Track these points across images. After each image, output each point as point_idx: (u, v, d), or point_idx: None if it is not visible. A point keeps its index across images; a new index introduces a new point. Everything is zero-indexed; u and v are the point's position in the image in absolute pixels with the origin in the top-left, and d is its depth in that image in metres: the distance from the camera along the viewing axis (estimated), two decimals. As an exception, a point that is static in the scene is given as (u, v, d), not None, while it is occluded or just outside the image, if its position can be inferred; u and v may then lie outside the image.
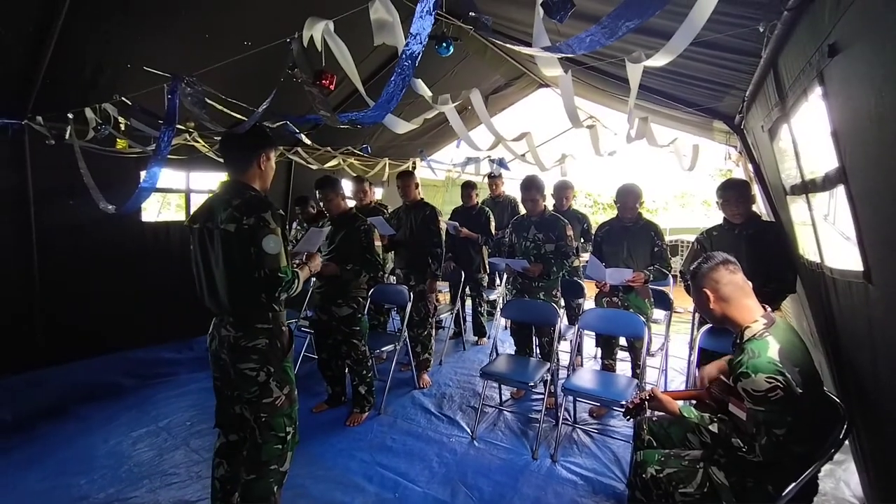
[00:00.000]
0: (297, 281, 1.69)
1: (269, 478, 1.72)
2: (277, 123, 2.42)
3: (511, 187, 5.28)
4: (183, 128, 2.80)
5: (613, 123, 4.48)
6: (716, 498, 1.55)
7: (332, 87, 1.49)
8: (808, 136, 1.69)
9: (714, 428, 1.58)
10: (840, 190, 1.37)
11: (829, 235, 1.72)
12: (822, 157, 1.52)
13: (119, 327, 3.79)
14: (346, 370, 3.10)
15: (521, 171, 5.51)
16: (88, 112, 2.35)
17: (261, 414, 1.69)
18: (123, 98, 2.18)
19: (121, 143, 2.66)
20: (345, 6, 1.49)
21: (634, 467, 1.81)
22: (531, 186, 3.20)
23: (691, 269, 1.67)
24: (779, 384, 1.36)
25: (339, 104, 4.02)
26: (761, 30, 1.48)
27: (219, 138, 2.10)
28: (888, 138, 1.00)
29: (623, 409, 1.80)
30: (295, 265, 1.94)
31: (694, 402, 1.90)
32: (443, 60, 4.07)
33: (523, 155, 3.67)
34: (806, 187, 1.72)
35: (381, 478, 2.39)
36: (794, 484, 1.44)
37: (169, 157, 3.63)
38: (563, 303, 3.98)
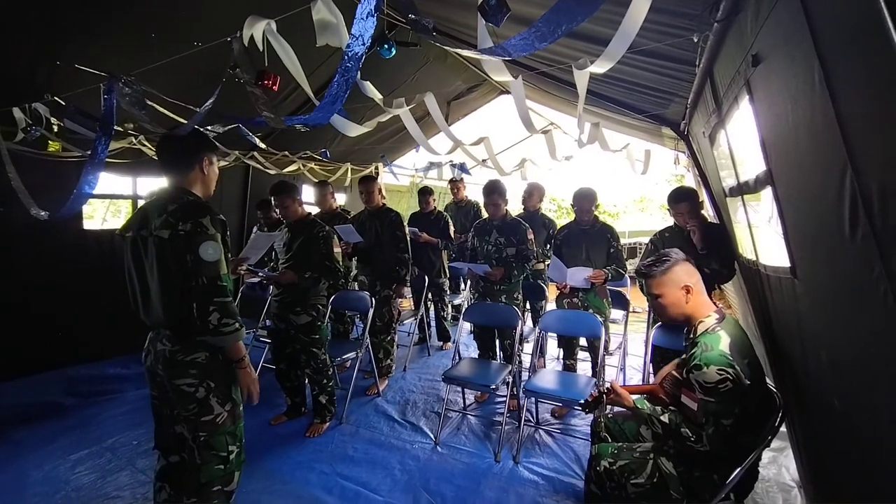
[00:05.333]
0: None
1: (212, 500, 1.62)
2: (228, 126, 2.35)
3: (473, 191, 5.33)
4: (121, 129, 2.66)
5: (573, 129, 4.62)
6: (665, 487, 1.61)
7: (275, 87, 1.45)
8: (743, 140, 1.80)
9: (665, 418, 1.64)
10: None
11: (764, 235, 1.82)
12: (754, 161, 1.62)
13: (58, 342, 3.53)
14: (306, 380, 3.02)
15: (482, 176, 5.57)
16: (17, 112, 2.19)
17: (199, 433, 1.58)
18: (56, 98, 2.05)
19: (53, 146, 2.49)
20: (295, 6, 1.47)
21: (590, 460, 1.86)
22: (493, 191, 3.24)
23: (657, 267, 1.64)
24: (729, 376, 1.42)
25: (297, 109, 3.94)
26: (695, 40, 1.57)
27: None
28: (803, 144, 1.08)
29: (582, 405, 1.85)
30: (242, 270, 1.87)
31: (647, 396, 1.97)
32: (404, 66, 4.08)
33: (484, 161, 3.72)
34: (741, 189, 1.83)
35: (342, 489, 2.33)
36: (738, 470, 1.51)
37: (115, 161, 3.49)
38: (528, 305, 4.05)
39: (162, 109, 2.10)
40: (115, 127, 1.83)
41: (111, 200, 6.67)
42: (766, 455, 2.42)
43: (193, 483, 1.62)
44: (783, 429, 1.86)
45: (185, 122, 1.65)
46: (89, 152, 1.86)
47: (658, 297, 1.67)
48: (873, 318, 0.88)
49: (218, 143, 3.46)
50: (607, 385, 1.80)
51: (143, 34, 2.46)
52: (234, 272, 1.94)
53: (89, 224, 4.00)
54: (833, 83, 0.87)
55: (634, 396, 1.83)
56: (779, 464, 2.40)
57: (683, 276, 1.63)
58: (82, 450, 2.69)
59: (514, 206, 4.01)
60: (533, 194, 4.11)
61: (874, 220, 0.81)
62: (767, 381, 1.71)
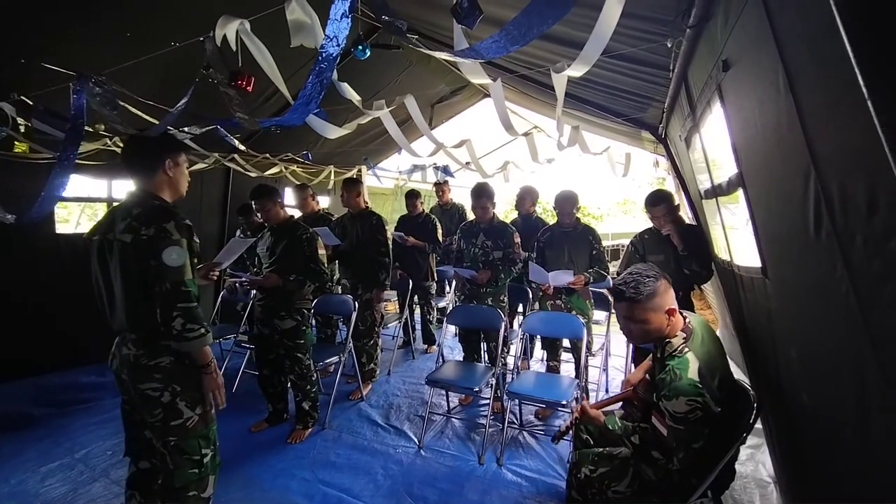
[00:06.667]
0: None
1: None
2: (206, 128, 2.31)
3: (458, 194, 5.34)
4: (91, 130, 2.58)
5: (554, 131, 4.65)
6: (644, 493, 1.62)
7: (249, 88, 1.43)
8: (717, 144, 1.84)
9: (636, 439, 1.62)
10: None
11: (738, 236, 1.86)
12: (728, 164, 1.65)
13: (29, 350, 3.42)
14: (289, 385, 2.98)
15: (465, 179, 5.58)
16: (-19, 112, 2.12)
17: (169, 438, 1.56)
18: (23, 97, 1.98)
19: (20, 147, 2.40)
20: (271, 6, 1.45)
21: (570, 467, 1.86)
22: (482, 194, 3.24)
23: (642, 290, 1.50)
24: (698, 406, 1.40)
25: (279, 111, 3.90)
26: (669, 45, 1.60)
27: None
28: (771, 147, 1.11)
29: (553, 437, 1.84)
30: (214, 276, 1.85)
31: (622, 404, 1.97)
32: (387, 68, 4.07)
33: (467, 163, 3.73)
34: (716, 191, 1.87)
35: (324, 496, 2.29)
36: (715, 469, 1.53)
37: (88, 163, 3.39)
38: (519, 308, 4.05)
39: (134, 110, 2.05)
40: (88, 128, 1.78)
41: (86, 204, 6.49)
42: (744, 452, 2.46)
43: (168, 488, 1.59)
44: (760, 426, 1.90)
45: (158, 123, 1.61)
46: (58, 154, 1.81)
47: (641, 323, 1.54)
48: (836, 316, 0.90)
49: (196, 146, 3.41)
50: (578, 408, 1.78)
51: (116, 32, 2.40)
52: (205, 277, 1.92)
53: (64, 228, 3.87)
54: (796, 88, 0.89)
55: (612, 407, 1.84)
56: (756, 460, 2.44)
57: (668, 300, 1.53)
58: (53, 462, 2.60)
59: (500, 210, 4.02)
60: (525, 199, 4.05)
61: (836, 221, 0.84)
62: (744, 379, 1.75)
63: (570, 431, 1.78)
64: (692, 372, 1.44)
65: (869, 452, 0.88)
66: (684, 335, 1.56)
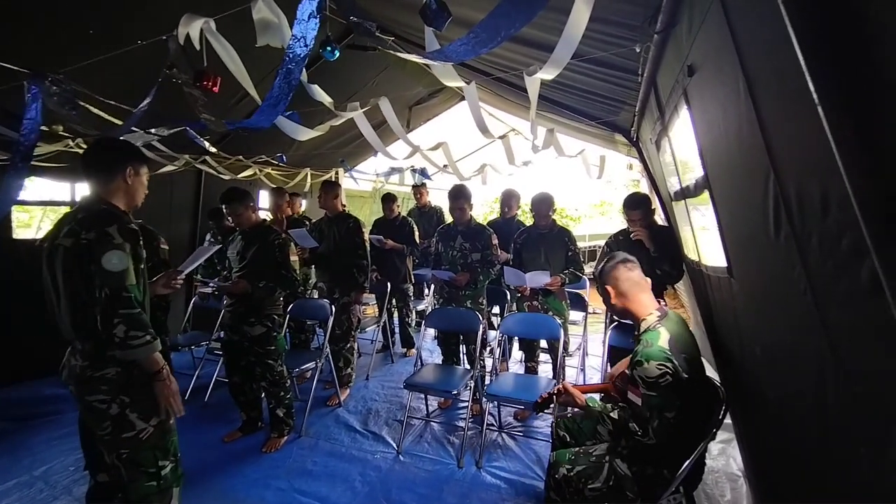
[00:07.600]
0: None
1: None
2: (174, 129, 2.24)
3: (436, 197, 5.34)
4: (47, 129, 2.47)
5: (531, 134, 4.70)
6: (620, 489, 1.65)
7: (215, 88, 1.39)
8: (685, 147, 1.89)
9: (615, 415, 1.69)
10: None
11: (706, 237, 1.92)
12: (696, 166, 1.70)
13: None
14: (262, 393, 2.91)
15: (443, 182, 5.59)
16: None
17: (121, 451, 1.51)
18: (-27, 97, 1.88)
19: (-32, 149, 2.28)
20: (236, 4, 1.41)
21: (548, 468, 1.87)
22: (459, 195, 3.24)
23: (598, 268, 1.81)
24: (668, 370, 1.49)
25: (252, 113, 3.81)
26: (638, 50, 1.63)
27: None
28: (733, 150, 1.14)
29: (533, 405, 1.88)
30: (177, 284, 1.81)
31: (601, 394, 2.02)
32: (366, 70, 4.03)
33: (445, 166, 3.73)
34: (684, 193, 1.91)
35: (299, 505, 2.25)
36: (686, 463, 1.57)
37: (50, 165, 3.24)
38: (496, 310, 4.06)
39: (96, 110, 1.97)
40: (45, 128, 1.70)
41: (49, 208, 6.20)
42: (716, 447, 2.53)
43: (129, 502, 1.54)
44: (730, 421, 1.96)
45: (122, 123, 1.55)
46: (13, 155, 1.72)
47: (603, 296, 1.80)
48: (796, 315, 0.93)
49: (165, 147, 3.31)
50: (559, 385, 1.84)
51: (78, 29, 2.30)
52: (167, 286, 1.86)
53: (24, 233, 3.70)
54: (755, 93, 0.92)
55: (588, 395, 1.88)
56: (727, 455, 2.51)
57: (609, 278, 1.74)
58: (9, 480, 2.46)
59: (479, 212, 4.04)
60: (511, 201, 4.08)
61: (794, 222, 0.86)
62: (713, 375, 1.80)
63: (552, 404, 1.83)
64: (663, 341, 1.55)
65: (827, 447, 0.91)
66: (659, 314, 1.68)
